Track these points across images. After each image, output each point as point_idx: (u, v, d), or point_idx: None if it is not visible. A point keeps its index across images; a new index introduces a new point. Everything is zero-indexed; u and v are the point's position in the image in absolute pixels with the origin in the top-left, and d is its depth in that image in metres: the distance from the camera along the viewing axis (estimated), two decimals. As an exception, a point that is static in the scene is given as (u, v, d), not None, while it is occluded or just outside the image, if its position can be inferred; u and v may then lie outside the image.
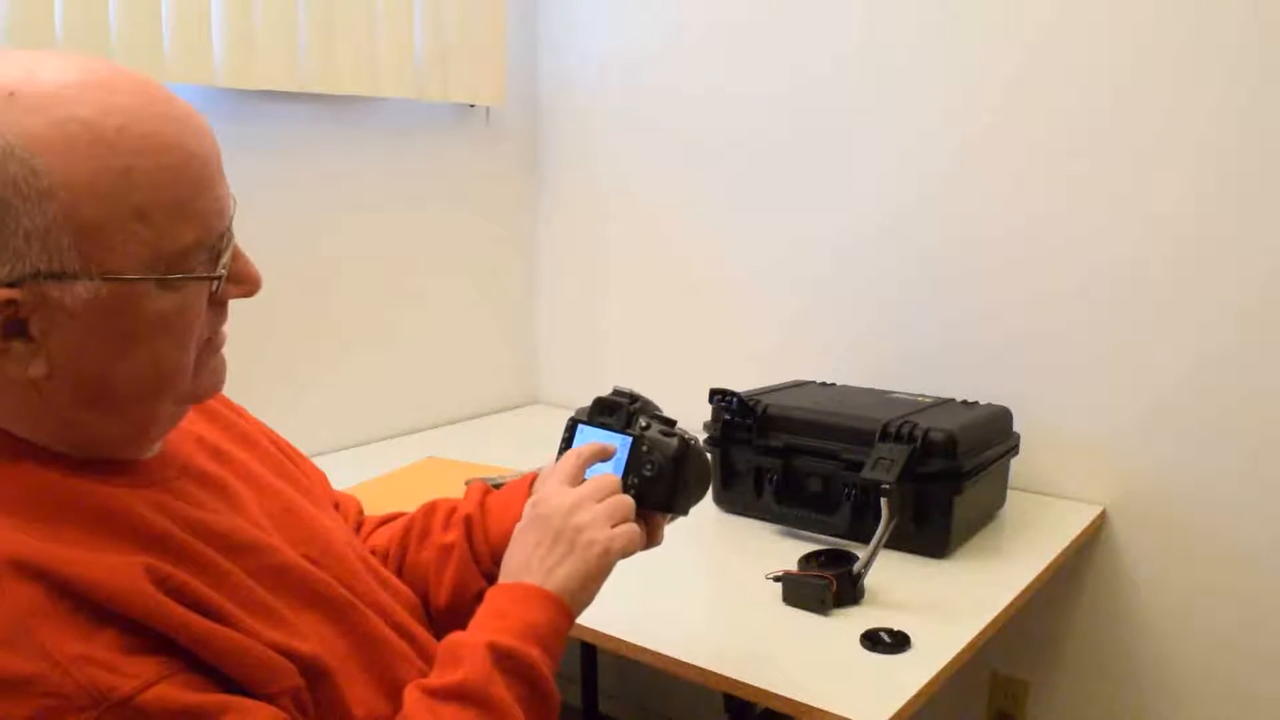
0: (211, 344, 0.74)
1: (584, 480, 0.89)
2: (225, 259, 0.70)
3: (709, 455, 1.00)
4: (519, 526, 0.87)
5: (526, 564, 0.83)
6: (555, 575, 0.82)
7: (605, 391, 0.98)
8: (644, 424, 0.93)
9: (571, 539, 0.83)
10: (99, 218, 0.62)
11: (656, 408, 0.96)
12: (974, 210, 1.78)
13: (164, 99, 0.66)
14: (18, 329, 0.63)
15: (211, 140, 0.69)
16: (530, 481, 0.99)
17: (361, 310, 2.04)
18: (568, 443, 0.97)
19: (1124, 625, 1.72)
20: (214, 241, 0.68)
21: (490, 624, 0.79)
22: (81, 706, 0.57)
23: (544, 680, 0.77)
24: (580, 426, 0.97)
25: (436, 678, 0.75)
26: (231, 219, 0.71)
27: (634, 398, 0.95)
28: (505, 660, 0.75)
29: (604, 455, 0.92)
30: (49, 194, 0.61)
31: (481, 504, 1.00)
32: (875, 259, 1.90)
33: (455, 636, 0.78)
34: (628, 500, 0.88)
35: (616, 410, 0.95)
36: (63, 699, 0.57)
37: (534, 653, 0.77)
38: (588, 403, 0.98)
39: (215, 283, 0.69)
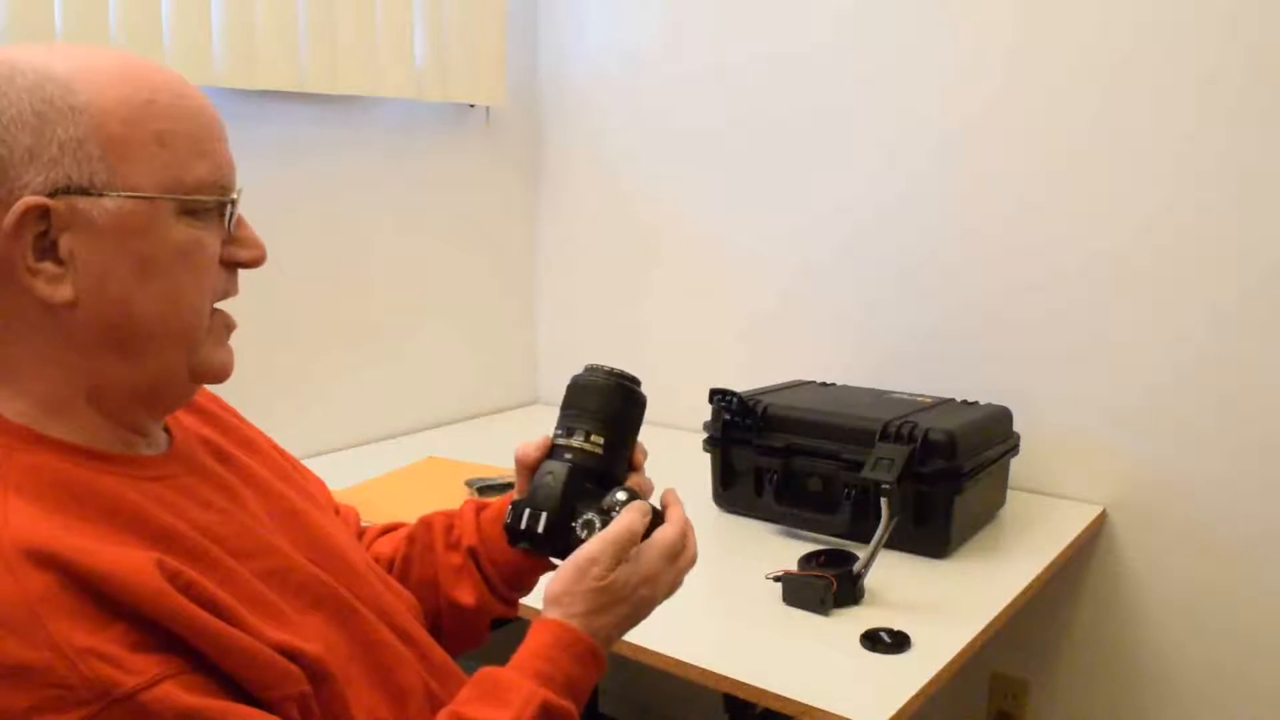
0: (224, 318, 0.77)
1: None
2: (234, 194, 0.74)
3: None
4: (589, 585, 0.81)
5: (589, 624, 0.81)
6: (608, 636, 0.83)
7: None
8: (584, 523, 0.84)
9: (642, 608, 0.84)
10: (124, 135, 0.68)
11: (581, 486, 0.86)
12: (971, 208, 1.78)
13: (178, 75, 0.74)
14: (49, 249, 0.67)
15: (219, 114, 0.75)
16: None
17: (362, 310, 2.04)
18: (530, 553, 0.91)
19: (1124, 625, 1.72)
20: (224, 186, 0.73)
21: (537, 667, 0.77)
22: (84, 700, 0.57)
23: None
24: (531, 550, 0.89)
25: (477, 711, 0.74)
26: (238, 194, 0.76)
27: (555, 531, 0.85)
28: (551, 718, 0.76)
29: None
30: (81, 109, 0.67)
31: (478, 529, 0.98)
32: (874, 257, 1.90)
33: (501, 674, 0.77)
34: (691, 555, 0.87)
35: (539, 545, 0.86)
36: (66, 690, 0.57)
37: (574, 710, 0.78)
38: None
39: (228, 207, 0.73)
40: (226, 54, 1.68)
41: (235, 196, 0.74)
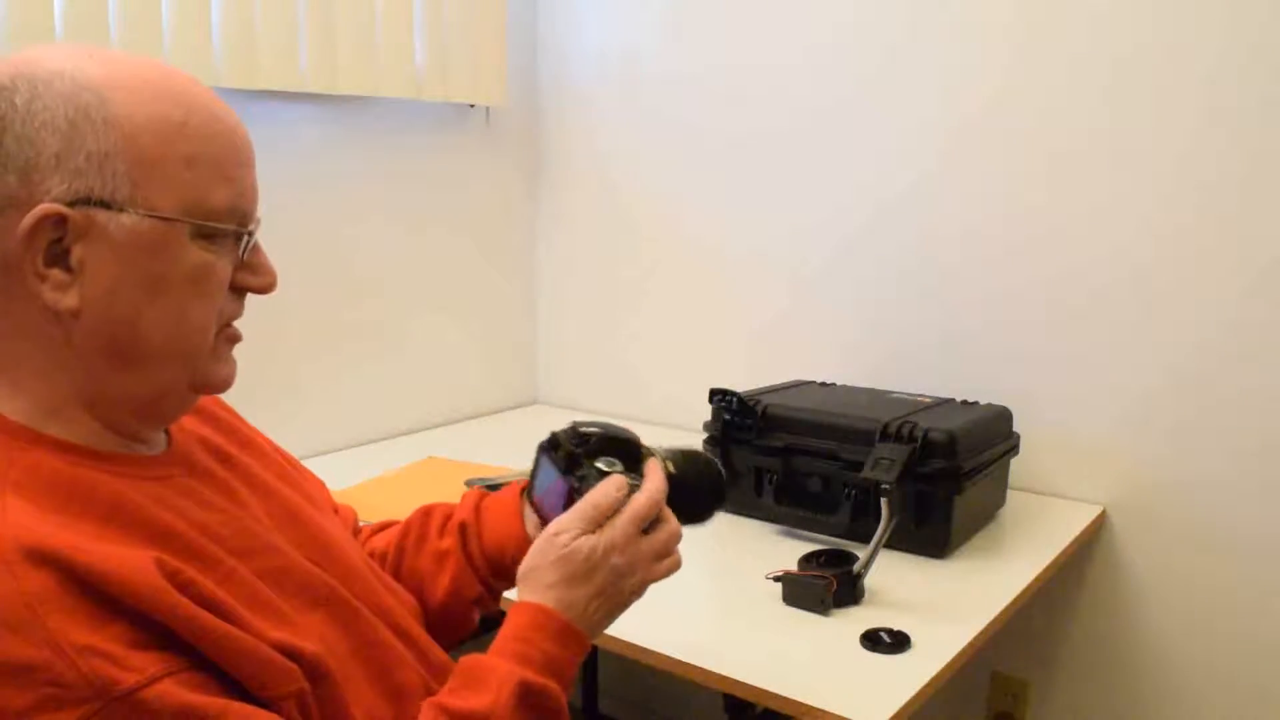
0: (228, 332, 0.76)
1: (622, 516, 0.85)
2: (251, 226, 0.74)
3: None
4: (554, 554, 0.82)
5: (560, 599, 0.81)
6: (586, 612, 0.81)
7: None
8: (583, 474, 0.86)
9: (616, 581, 0.82)
10: (153, 154, 0.68)
11: (622, 442, 0.89)
12: (971, 209, 1.78)
13: (213, 92, 0.75)
14: (60, 257, 0.67)
15: (249, 138, 0.76)
16: (523, 488, 0.99)
17: (362, 310, 2.04)
18: (534, 469, 0.93)
19: (1124, 625, 1.72)
20: (244, 213, 0.73)
21: (513, 649, 0.78)
22: (83, 698, 0.58)
23: (562, 715, 0.78)
24: (542, 456, 0.92)
25: (458, 699, 0.74)
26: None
27: (584, 438, 0.88)
28: (531, 696, 0.75)
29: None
30: (114, 123, 0.67)
31: (476, 509, 1.00)
32: (874, 257, 1.90)
33: (480, 660, 0.77)
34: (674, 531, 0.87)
35: (558, 449, 0.89)
36: (65, 689, 0.57)
37: (555, 687, 0.77)
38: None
39: (244, 238, 0.73)
40: (226, 54, 1.68)
41: (252, 229, 0.74)
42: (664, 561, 0.85)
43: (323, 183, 1.93)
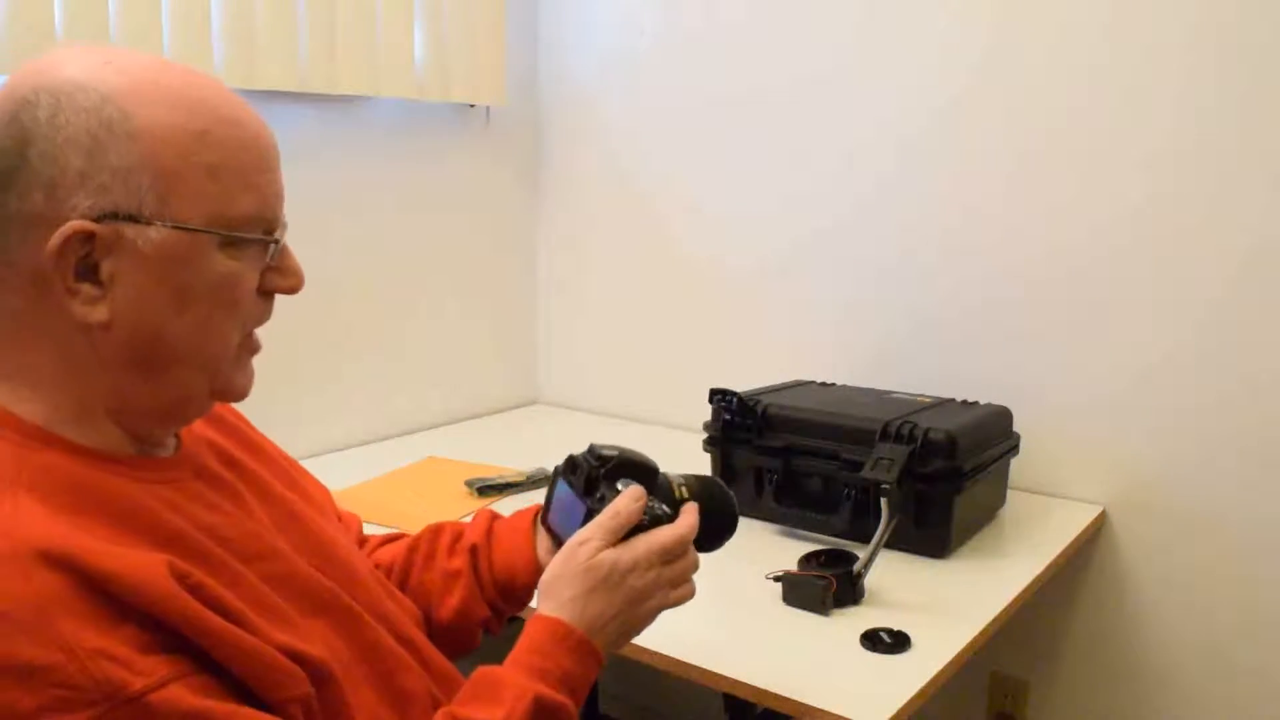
0: (249, 343, 0.77)
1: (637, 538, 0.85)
2: (279, 233, 0.75)
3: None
4: (577, 565, 0.83)
5: (581, 613, 0.81)
6: (603, 629, 0.82)
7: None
8: (601, 495, 0.87)
9: (634, 603, 0.83)
10: (176, 167, 0.68)
11: (639, 466, 0.90)
12: (972, 212, 1.78)
13: (234, 94, 0.74)
14: (89, 271, 0.67)
15: (274, 139, 0.76)
16: (535, 513, 0.99)
17: (361, 310, 2.04)
18: (549, 494, 0.94)
19: (1124, 625, 1.72)
20: (270, 220, 0.74)
21: (530, 662, 0.78)
22: (92, 700, 0.58)
23: None
24: (558, 480, 0.92)
25: (471, 710, 0.75)
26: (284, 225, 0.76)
27: (604, 460, 0.89)
28: (545, 712, 0.75)
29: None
30: (136, 136, 0.67)
31: (488, 532, 1.00)
32: (875, 258, 1.90)
33: (495, 672, 0.78)
34: (693, 560, 0.88)
35: (577, 470, 0.90)
36: (74, 691, 0.58)
37: (570, 704, 0.78)
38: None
39: (270, 246, 0.74)
40: (226, 54, 1.68)
41: (278, 237, 0.74)
42: (680, 589, 0.87)
43: (322, 183, 1.93)
